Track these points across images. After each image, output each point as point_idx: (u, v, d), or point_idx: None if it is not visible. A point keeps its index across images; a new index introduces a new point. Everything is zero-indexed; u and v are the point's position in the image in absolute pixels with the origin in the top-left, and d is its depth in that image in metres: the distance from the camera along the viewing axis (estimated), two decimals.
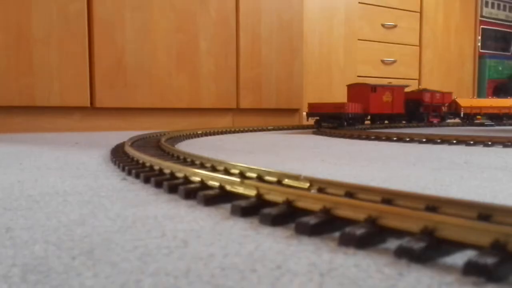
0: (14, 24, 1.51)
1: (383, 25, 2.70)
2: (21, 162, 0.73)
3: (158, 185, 0.49)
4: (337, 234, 0.30)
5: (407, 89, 2.15)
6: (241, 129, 1.67)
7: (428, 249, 0.26)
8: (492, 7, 3.51)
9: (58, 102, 1.60)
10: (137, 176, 0.56)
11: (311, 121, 1.90)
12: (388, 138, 1.22)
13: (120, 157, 0.72)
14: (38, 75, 1.56)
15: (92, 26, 1.64)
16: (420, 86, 2.77)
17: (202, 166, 0.58)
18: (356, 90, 1.99)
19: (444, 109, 2.33)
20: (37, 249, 0.29)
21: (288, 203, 0.35)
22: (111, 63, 1.68)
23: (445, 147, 1.04)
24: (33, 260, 0.26)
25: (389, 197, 0.34)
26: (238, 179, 0.41)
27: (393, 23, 2.74)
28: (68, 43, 1.60)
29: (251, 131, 1.70)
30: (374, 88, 1.98)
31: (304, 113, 2.06)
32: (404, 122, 2.23)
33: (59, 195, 0.46)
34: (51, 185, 0.52)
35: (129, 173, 0.59)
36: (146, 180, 0.52)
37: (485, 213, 0.29)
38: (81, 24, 1.62)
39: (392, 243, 0.29)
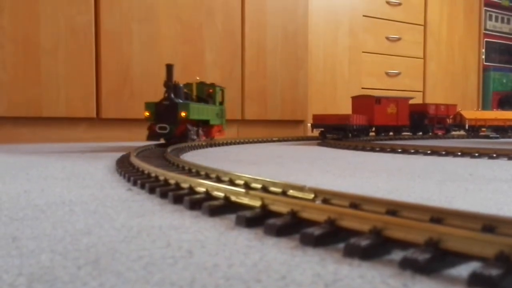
0: (22, 36, 1.53)
1: (387, 38, 2.71)
2: (28, 172, 0.74)
3: (163, 195, 0.50)
4: (342, 245, 0.30)
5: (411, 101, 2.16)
6: (246, 140, 1.68)
7: (433, 260, 0.26)
8: (496, 20, 3.52)
9: (64, 113, 1.61)
10: (142, 186, 0.56)
11: (316, 133, 1.90)
12: (393, 150, 1.22)
13: (125, 167, 0.72)
14: (45, 86, 1.57)
15: (99, 38, 1.65)
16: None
17: (207, 176, 0.58)
18: (361, 102, 2.00)
19: (449, 121, 2.33)
20: (43, 258, 0.29)
21: (293, 214, 0.35)
22: (118, 75, 1.69)
23: (450, 159, 1.03)
24: (39, 270, 0.27)
25: (393, 209, 0.34)
26: (243, 190, 0.41)
27: (397, 36, 2.75)
28: (75, 55, 1.61)
29: (256, 142, 1.70)
30: (378, 100, 1.98)
31: (309, 125, 2.06)
32: (409, 133, 2.23)
33: (65, 205, 0.46)
34: (58, 195, 0.52)
35: (135, 184, 0.59)
36: (151, 191, 0.53)
37: (490, 224, 0.29)
38: (88, 36, 1.63)
39: (397, 255, 0.29)
